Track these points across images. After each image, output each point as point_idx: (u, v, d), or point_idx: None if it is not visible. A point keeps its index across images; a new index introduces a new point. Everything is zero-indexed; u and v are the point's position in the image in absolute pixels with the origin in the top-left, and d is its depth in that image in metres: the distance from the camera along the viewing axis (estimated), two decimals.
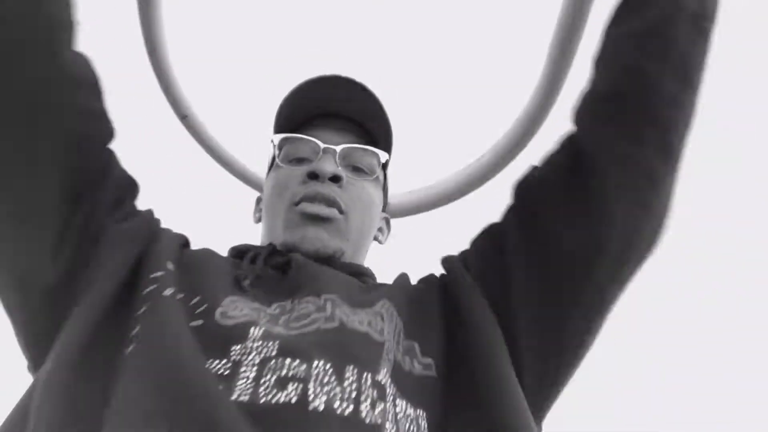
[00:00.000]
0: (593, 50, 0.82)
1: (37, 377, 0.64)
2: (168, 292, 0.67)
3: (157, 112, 1.32)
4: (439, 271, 0.86)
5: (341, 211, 0.86)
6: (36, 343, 0.72)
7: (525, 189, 0.82)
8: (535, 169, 0.82)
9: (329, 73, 0.91)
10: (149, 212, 0.82)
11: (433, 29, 1.53)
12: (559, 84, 1.07)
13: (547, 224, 0.76)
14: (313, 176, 0.85)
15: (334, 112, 0.92)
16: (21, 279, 0.71)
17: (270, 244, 0.85)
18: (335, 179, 0.86)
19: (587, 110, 0.79)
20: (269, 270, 0.80)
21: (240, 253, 0.85)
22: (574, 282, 0.74)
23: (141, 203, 0.83)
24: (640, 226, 0.74)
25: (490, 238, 0.83)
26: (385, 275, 0.91)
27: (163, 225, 0.83)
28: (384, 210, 1.01)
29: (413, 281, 0.86)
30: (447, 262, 0.84)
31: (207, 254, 0.81)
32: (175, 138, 1.37)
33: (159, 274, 0.69)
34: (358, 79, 0.92)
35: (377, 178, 0.93)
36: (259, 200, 1.02)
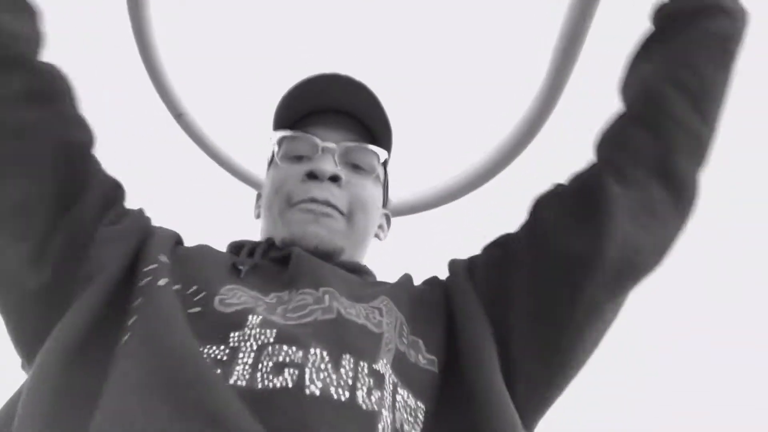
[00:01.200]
0: (601, 61, 0.84)
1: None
2: (162, 282, 0.67)
3: (152, 111, 1.32)
4: (443, 271, 0.86)
5: (341, 212, 0.86)
6: (28, 342, 0.71)
7: (540, 204, 0.81)
8: (555, 186, 0.82)
9: (328, 71, 0.91)
10: (140, 211, 0.82)
11: (436, 28, 1.53)
12: (560, 88, 1.07)
13: (553, 234, 0.76)
14: (312, 176, 0.86)
15: (333, 107, 0.92)
16: (11, 290, 0.71)
17: (269, 239, 0.85)
18: (334, 179, 0.86)
19: (609, 135, 0.79)
20: (268, 262, 0.80)
21: (238, 247, 0.86)
22: (570, 295, 0.73)
23: (138, 202, 0.83)
24: (641, 247, 0.74)
25: (499, 248, 0.82)
26: (386, 273, 0.91)
27: (155, 223, 0.83)
28: (384, 206, 1.01)
29: (417, 282, 0.86)
30: (452, 265, 0.84)
31: (202, 248, 0.81)
32: (170, 137, 1.36)
33: (152, 266, 0.70)
34: (358, 77, 0.92)
35: (377, 176, 0.93)
36: (259, 196, 1.02)
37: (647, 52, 0.81)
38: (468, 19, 1.49)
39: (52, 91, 0.74)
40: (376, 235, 0.99)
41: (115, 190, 0.80)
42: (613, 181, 0.74)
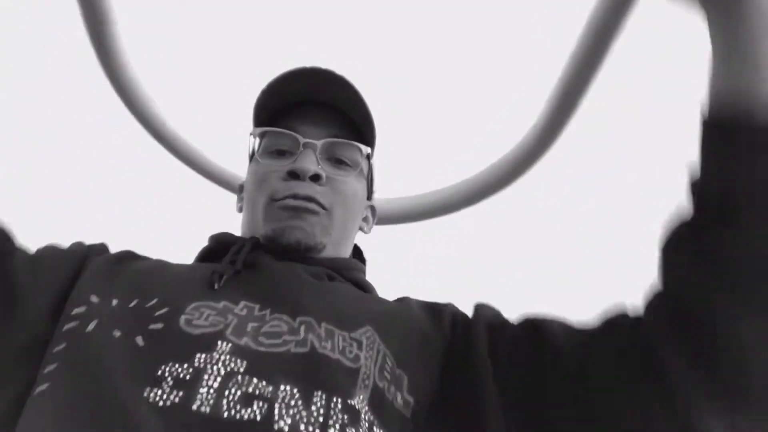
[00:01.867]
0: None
1: None
2: (91, 326, 0.66)
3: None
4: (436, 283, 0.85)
5: (323, 208, 0.85)
6: None
7: (602, 332, 0.69)
8: (623, 317, 0.68)
9: (307, 65, 0.89)
10: (71, 247, 0.80)
11: (439, 34, 1.52)
12: (566, 115, 1.04)
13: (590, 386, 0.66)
14: (294, 175, 0.84)
15: (314, 101, 0.90)
16: None
17: (253, 238, 0.84)
18: (315, 178, 0.85)
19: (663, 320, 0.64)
20: (249, 273, 0.77)
21: (220, 243, 0.85)
22: None
23: (108, 203, 0.76)
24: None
25: (529, 333, 0.73)
26: (384, 284, 0.90)
27: (96, 250, 0.81)
28: (369, 198, 1.00)
29: (420, 304, 0.81)
30: (481, 311, 0.78)
31: (160, 262, 0.80)
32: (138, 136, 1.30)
33: (79, 310, 0.68)
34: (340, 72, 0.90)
35: (360, 170, 0.91)
36: (241, 188, 0.99)
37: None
38: (470, 23, 1.49)
39: None
40: (361, 228, 0.98)
41: (5, 257, 0.74)
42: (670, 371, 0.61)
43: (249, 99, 0.93)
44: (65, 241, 0.81)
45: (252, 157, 0.93)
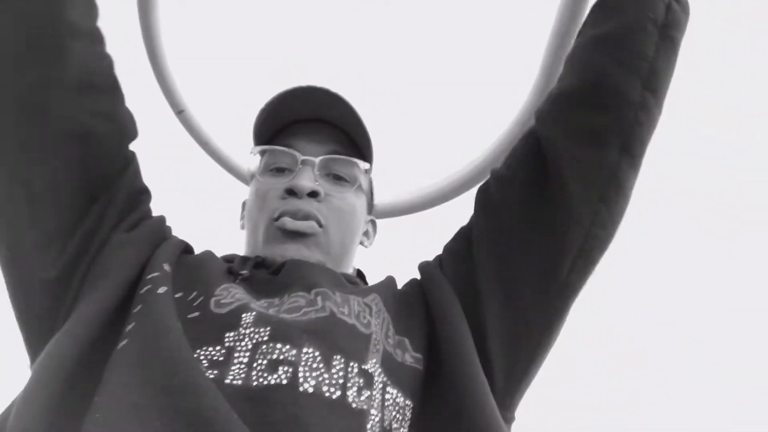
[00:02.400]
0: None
1: None
2: (162, 290, 0.69)
3: (153, 107, 1.32)
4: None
5: (320, 225, 0.86)
6: (34, 336, 0.73)
7: (489, 190, 0.85)
8: (495, 171, 0.86)
9: (304, 84, 0.92)
10: (160, 220, 0.84)
11: (426, 29, 1.53)
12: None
13: (510, 222, 0.79)
14: (292, 193, 0.86)
15: (312, 117, 0.92)
16: (23, 274, 0.73)
17: (258, 257, 0.86)
18: (313, 194, 0.86)
19: (552, 108, 0.80)
20: (259, 272, 0.82)
21: (228, 261, 0.86)
22: (536, 277, 0.77)
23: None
24: (602, 220, 0.76)
25: (460, 240, 0.86)
26: (374, 275, 0.93)
27: (173, 232, 0.86)
28: (369, 213, 1.01)
29: (399, 285, 0.88)
30: (423, 266, 0.87)
31: (206, 254, 0.83)
32: (170, 133, 1.37)
33: (155, 275, 0.71)
34: (349, 82, 0.98)
35: (359, 186, 0.93)
36: (243, 205, 1.01)
37: (593, 24, 0.80)
38: (460, 20, 1.50)
39: (106, 82, 0.76)
40: (361, 243, 0.99)
41: (140, 194, 0.82)
42: (564, 158, 0.76)
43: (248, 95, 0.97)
44: None
45: (253, 176, 0.94)
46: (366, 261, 1.00)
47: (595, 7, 0.81)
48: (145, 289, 0.69)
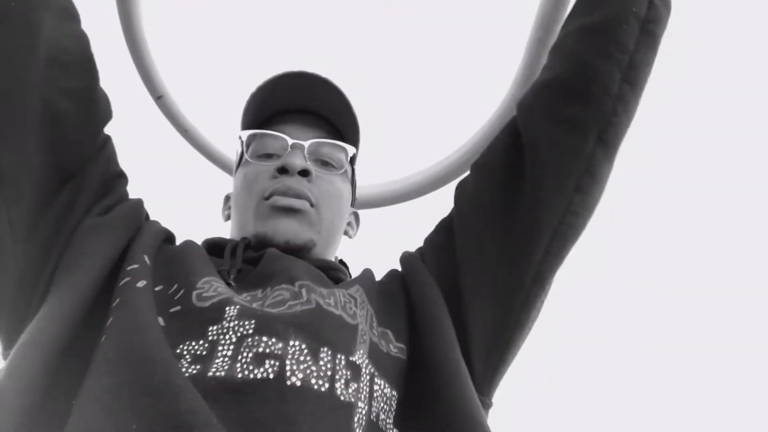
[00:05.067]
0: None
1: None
2: (141, 283, 0.67)
3: (131, 92, 1.29)
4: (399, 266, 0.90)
5: (312, 204, 0.87)
6: (5, 323, 0.71)
7: (467, 181, 0.87)
8: (474, 162, 0.87)
9: (295, 69, 0.92)
10: (137, 203, 0.82)
11: (413, 23, 1.53)
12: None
13: (486, 210, 0.81)
14: (283, 171, 0.86)
15: (302, 107, 0.93)
16: None
17: (245, 238, 0.85)
18: (304, 173, 0.87)
19: (534, 97, 0.81)
20: (242, 264, 0.81)
21: (214, 246, 0.86)
22: (512, 263, 0.78)
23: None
24: (575, 209, 0.77)
25: (441, 231, 0.88)
26: (358, 267, 0.92)
27: (152, 218, 0.84)
28: (353, 205, 1.02)
29: (378, 276, 0.88)
30: (405, 258, 0.88)
31: (187, 245, 0.81)
32: (148, 118, 1.35)
33: (134, 266, 0.70)
34: (328, 72, 0.93)
35: (345, 171, 0.94)
36: (227, 199, 1.02)
37: (576, 15, 0.81)
38: (443, 12, 1.50)
39: (77, 60, 0.74)
40: (347, 233, 1.00)
41: (115, 178, 0.80)
42: (542, 144, 0.77)
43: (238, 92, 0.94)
44: None
45: (239, 162, 0.94)
46: (347, 251, 1.01)
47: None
48: (123, 281, 0.68)
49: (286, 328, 0.64)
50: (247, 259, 0.81)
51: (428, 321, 0.75)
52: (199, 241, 0.86)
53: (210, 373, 0.59)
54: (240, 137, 0.93)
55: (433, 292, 0.79)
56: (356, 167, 1.01)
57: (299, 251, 0.84)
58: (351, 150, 0.94)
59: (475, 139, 1.17)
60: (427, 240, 0.90)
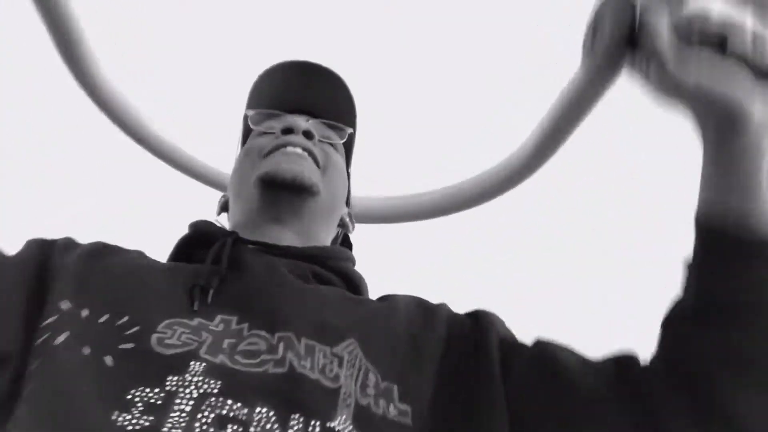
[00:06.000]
0: None
1: None
2: (61, 338, 0.63)
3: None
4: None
5: (317, 163, 0.87)
6: None
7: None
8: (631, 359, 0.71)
9: (303, 59, 0.94)
10: (32, 246, 0.74)
11: (413, 23, 1.53)
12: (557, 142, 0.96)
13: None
14: (288, 131, 0.87)
15: (307, 111, 0.94)
16: None
17: (233, 233, 0.79)
18: (308, 135, 0.87)
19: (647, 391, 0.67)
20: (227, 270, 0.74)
21: (200, 233, 0.83)
22: None
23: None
24: None
25: (556, 373, 0.72)
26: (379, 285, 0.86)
27: (60, 247, 0.74)
28: (348, 205, 1.01)
29: (408, 303, 0.77)
30: (488, 319, 0.76)
31: (137, 265, 0.74)
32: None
33: (50, 320, 0.65)
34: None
35: (343, 155, 0.96)
36: (224, 199, 0.99)
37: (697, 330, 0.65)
38: (445, 15, 1.50)
39: None
40: (345, 225, 0.97)
41: None
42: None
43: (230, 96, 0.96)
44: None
45: (243, 141, 0.95)
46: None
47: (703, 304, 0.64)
48: (41, 339, 0.63)
49: (254, 392, 0.60)
50: (234, 259, 0.74)
51: (474, 396, 0.68)
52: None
53: (164, 429, 0.55)
54: (245, 116, 0.95)
55: (495, 377, 0.69)
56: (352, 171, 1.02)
57: (305, 192, 0.83)
58: (348, 130, 0.95)
59: (482, 176, 1.16)
60: (525, 354, 0.73)
